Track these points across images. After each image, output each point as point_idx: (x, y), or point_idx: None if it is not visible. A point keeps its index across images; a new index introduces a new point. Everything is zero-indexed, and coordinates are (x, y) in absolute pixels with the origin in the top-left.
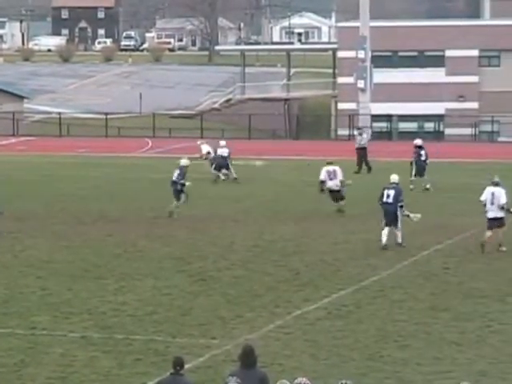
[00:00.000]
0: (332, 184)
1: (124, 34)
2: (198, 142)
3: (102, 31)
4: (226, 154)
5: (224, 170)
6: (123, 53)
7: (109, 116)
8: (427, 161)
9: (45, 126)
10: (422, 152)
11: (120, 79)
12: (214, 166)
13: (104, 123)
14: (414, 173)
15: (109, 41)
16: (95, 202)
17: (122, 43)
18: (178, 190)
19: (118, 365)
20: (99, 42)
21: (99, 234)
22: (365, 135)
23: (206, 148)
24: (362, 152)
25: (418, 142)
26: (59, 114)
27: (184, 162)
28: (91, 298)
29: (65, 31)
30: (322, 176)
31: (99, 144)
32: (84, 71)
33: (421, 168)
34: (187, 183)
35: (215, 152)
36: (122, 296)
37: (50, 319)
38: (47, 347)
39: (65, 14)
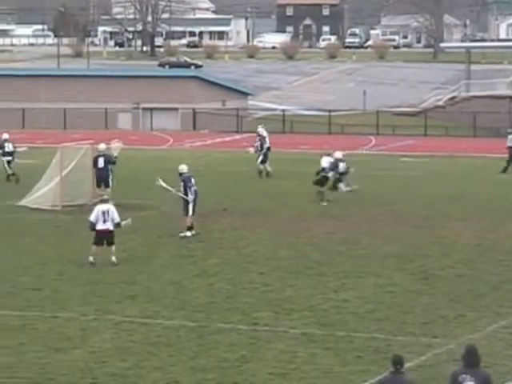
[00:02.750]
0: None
1: (348, 32)
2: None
3: (326, 28)
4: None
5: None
6: (347, 50)
7: (332, 113)
8: None
9: (268, 122)
10: None
11: (343, 76)
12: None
13: (327, 120)
14: None
15: (333, 38)
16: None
17: (347, 40)
18: None
19: (338, 362)
20: (323, 39)
21: (322, 230)
22: None
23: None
24: (509, 151)
25: None
26: (283, 110)
27: None
28: (313, 295)
29: (289, 28)
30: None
31: (322, 141)
32: (308, 68)
33: None
34: None
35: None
36: (343, 293)
37: (272, 315)
38: (268, 343)
39: (289, 11)
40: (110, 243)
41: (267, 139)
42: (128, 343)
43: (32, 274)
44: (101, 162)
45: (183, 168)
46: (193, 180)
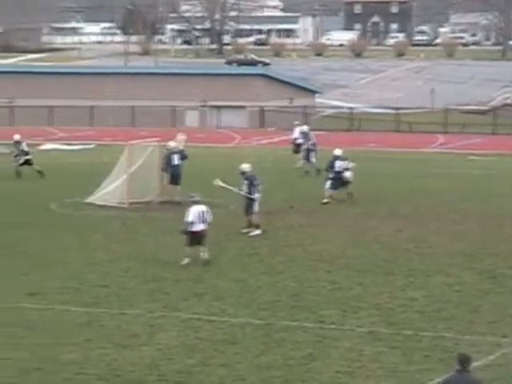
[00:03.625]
0: None
1: (417, 29)
2: (296, 123)
3: (394, 26)
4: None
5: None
6: (415, 48)
7: (400, 111)
8: None
9: (336, 120)
10: None
11: (411, 74)
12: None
13: (395, 118)
14: None
15: (401, 35)
16: (385, 196)
17: (415, 38)
18: None
19: (405, 361)
20: (391, 37)
21: (389, 229)
22: None
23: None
24: None
25: None
26: (350, 108)
27: None
28: (380, 294)
29: (357, 26)
30: None
31: (389, 139)
32: (375, 66)
33: None
34: None
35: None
36: (410, 292)
37: (339, 313)
38: (335, 341)
39: (357, 9)
40: (203, 243)
41: (312, 136)
42: (194, 340)
43: (99, 271)
44: (176, 159)
45: (246, 167)
46: (258, 178)
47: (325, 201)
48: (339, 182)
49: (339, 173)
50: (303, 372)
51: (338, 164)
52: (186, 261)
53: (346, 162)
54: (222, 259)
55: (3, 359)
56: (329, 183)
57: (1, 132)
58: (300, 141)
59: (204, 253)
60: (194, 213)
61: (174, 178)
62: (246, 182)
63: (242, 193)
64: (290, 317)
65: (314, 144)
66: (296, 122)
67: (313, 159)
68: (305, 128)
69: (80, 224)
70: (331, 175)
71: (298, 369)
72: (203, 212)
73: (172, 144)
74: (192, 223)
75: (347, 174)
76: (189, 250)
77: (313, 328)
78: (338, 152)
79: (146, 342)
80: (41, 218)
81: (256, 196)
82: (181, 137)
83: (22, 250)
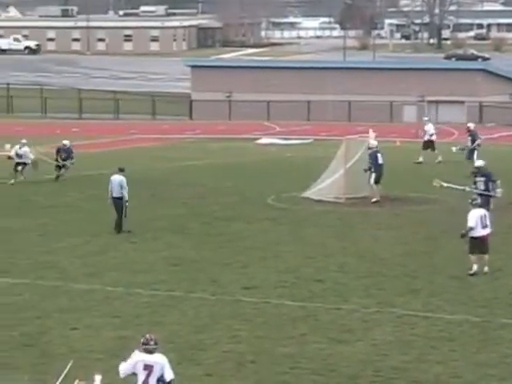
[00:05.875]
0: None
1: None
2: (425, 118)
3: None
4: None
5: None
6: None
7: None
8: None
9: None
10: None
11: None
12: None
13: None
14: None
15: None
16: None
17: None
18: None
19: None
20: None
21: None
22: None
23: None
24: None
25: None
26: None
27: None
28: None
29: None
30: None
31: None
32: None
33: None
34: None
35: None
36: None
37: None
38: None
39: None
40: (486, 250)
41: (479, 135)
42: (410, 337)
43: (315, 266)
44: (380, 158)
45: (481, 163)
46: (494, 174)
47: None
48: None
49: None
50: None
51: None
52: (474, 269)
53: None
54: (438, 255)
55: (223, 352)
56: None
57: (220, 127)
58: (434, 137)
59: (485, 265)
60: (475, 217)
61: (379, 178)
62: (482, 178)
63: (476, 190)
64: (509, 315)
65: (479, 144)
66: (425, 118)
67: (475, 157)
68: (472, 126)
69: (296, 218)
70: None
71: None
72: (484, 216)
73: (375, 142)
74: (473, 228)
75: None
76: (473, 258)
77: None
78: None
79: (361, 337)
80: (258, 212)
81: (497, 191)
82: (372, 134)
83: (240, 243)
